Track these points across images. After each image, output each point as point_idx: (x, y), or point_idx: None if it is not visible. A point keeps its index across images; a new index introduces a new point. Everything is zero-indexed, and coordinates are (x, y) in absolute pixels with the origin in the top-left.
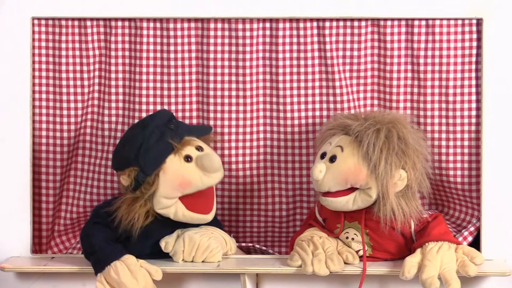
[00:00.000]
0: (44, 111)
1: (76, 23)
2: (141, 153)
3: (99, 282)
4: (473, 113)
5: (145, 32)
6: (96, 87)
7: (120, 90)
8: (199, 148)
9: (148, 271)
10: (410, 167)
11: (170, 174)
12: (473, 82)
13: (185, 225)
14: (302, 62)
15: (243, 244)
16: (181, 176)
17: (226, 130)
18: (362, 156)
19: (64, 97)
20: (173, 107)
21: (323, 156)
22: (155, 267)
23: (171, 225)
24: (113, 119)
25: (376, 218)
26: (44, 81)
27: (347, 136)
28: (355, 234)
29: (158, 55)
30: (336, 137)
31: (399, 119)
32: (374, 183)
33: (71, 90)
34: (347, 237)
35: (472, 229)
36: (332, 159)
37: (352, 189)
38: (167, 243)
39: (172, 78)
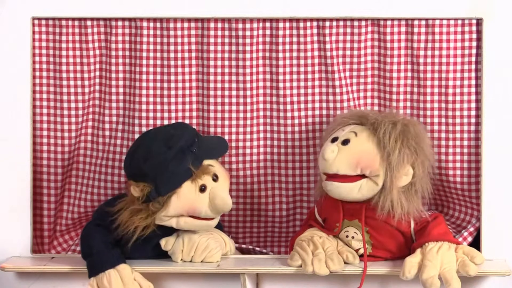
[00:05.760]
0: (44, 111)
1: (76, 23)
2: (160, 173)
3: (90, 286)
4: (473, 113)
5: (145, 32)
6: (97, 87)
7: (121, 90)
8: (215, 178)
9: (140, 286)
10: (419, 163)
11: (183, 200)
12: (473, 82)
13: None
14: (302, 62)
15: (243, 246)
16: (193, 204)
17: (226, 130)
18: (377, 143)
19: (65, 97)
20: (173, 107)
21: (334, 140)
22: (148, 283)
23: (172, 230)
24: (114, 119)
25: (377, 216)
26: (44, 81)
27: (361, 126)
28: (355, 232)
29: (158, 55)
30: (349, 126)
31: (415, 121)
32: (383, 171)
33: (72, 90)
34: (347, 236)
35: (471, 229)
36: (345, 142)
37: (359, 177)
38: (167, 241)
39: (172, 78)
